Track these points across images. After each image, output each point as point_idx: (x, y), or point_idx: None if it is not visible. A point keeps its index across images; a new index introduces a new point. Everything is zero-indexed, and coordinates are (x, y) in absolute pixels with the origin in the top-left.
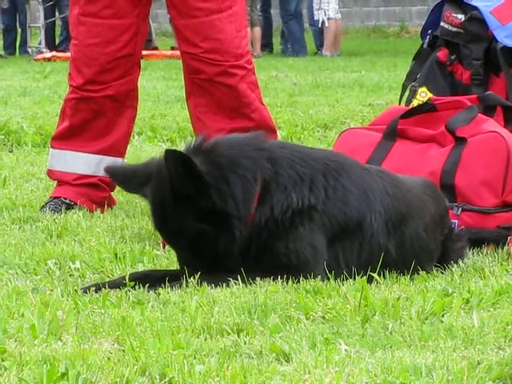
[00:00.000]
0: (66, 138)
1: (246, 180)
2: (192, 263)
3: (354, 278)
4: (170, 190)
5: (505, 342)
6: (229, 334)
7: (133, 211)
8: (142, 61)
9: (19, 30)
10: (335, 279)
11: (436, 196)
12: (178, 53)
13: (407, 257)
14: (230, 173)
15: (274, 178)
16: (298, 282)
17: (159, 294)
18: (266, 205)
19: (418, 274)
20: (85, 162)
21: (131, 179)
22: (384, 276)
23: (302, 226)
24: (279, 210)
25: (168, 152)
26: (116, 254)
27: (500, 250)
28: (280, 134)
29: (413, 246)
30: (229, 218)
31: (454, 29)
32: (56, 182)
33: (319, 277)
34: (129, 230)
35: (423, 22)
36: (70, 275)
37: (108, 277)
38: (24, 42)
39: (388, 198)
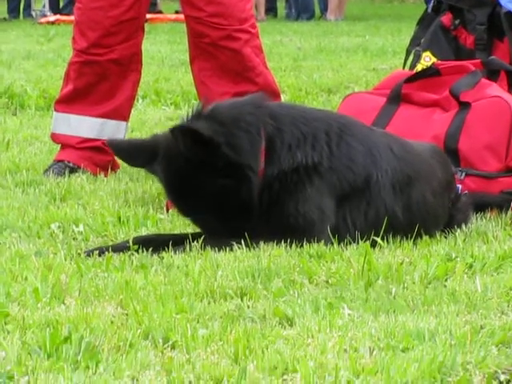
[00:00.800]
0: (69, 101)
1: (251, 134)
2: (212, 228)
3: (358, 243)
4: (185, 162)
5: (508, 306)
6: (232, 298)
7: (136, 175)
8: (146, 24)
9: None
10: (339, 243)
11: (443, 161)
12: (182, 16)
13: (414, 220)
14: (234, 128)
15: (277, 134)
16: (302, 246)
17: (162, 257)
18: (273, 159)
19: (421, 238)
20: (88, 126)
21: (136, 155)
22: (387, 240)
23: (310, 186)
24: (287, 164)
25: (174, 130)
26: (119, 218)
27: (503, 215)
28: (284, 98)
29: (419, 210)
30: (243, 169)
31: None
32: (59, 145)
33: (323, 241)
34: (132, 194)
35: None
36: (74, 239)
37: (111, 240)
38: (28, 6)
39: (394, 158)
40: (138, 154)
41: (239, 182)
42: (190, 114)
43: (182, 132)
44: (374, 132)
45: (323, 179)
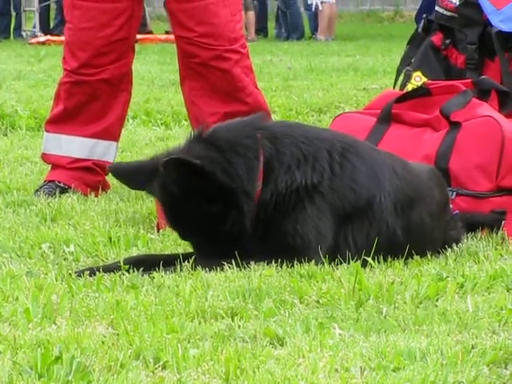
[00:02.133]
0: (60, 121)
1: (248, 159)
2: (208, 251)
3: (349, 262)
4: (179, 188)
5: (499, 326)
6: (223, 317)
7: (127, 195)
8: (136, 45)
9: (13, 14)
10: (329, 263)
11: (441, 183)
12: (172, 37)
13: (411, 241)
14: (231, 154)
15: (276, 156)
16: (293, 266)
17: (153, 277)
18: (271, 182)
19: (412, 258)
20: (79, 146)
21: (135, 177)
22: (378, 260)
23: (309, 207)
24: (284, 186)
25: (164, 163)
26: (110, 238)
27: (494, 235)
28: (274, 118)
29: (417, 232)
30: (236, 195)
31: (449, 13)
32: (50, 165)
33: (313, 261)
34: (123, 214)
35: (418, 6)
36: (64, 259)
37: (102, 260)
38: (18, 26)
39: (397, 179)
40: (138, 176)
41: (233, 207)
42: (191, 137)
43: (172, 165)
44: (378, 152)
45: (323, 199)
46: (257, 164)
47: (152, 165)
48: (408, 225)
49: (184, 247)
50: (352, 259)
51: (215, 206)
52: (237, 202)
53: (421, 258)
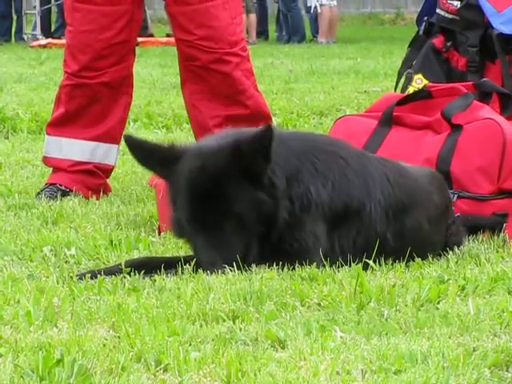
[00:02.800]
0: (61, 124)
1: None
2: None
3: (350, 265)
4: (235, 170)
5: (500, 328)
6: (224, 320)
7: (128, 198)
8: (137, 48)
9: (15, 17)
10: (331, 266)
11: (441, 187)
12: (173, 40)
13: (407, 246)
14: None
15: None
16: (294, 269)
17: (155, 280)
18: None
19: (414, 261)
20: (80, 149)
21: (150, 156)
22: (379, 263)
23: (308, 216)
24: (296, 196)
25: (265, 128)
26: (111, 241)
27: (496, 237)
28: (275, 121)
29: (414, 237)
30: (277, 191)
31: (450, 16)
32: (51, 168)
33: (315, 263)
34: (124, 217)
35: (419, 9)
36: (66, 262)
37: (103, 263)
38: (20, 29)
39: (389, 186)
40: (152, 155)
41: (275, 200)
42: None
43: (268, 131)
44: (369, 160)
45: (318, 210)
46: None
47: (170, 149)
48: (401, 230)
49: (185, 250)
50: (335, 265)
51: (262, 195)
52: (277, 197)
53: (422, 260)
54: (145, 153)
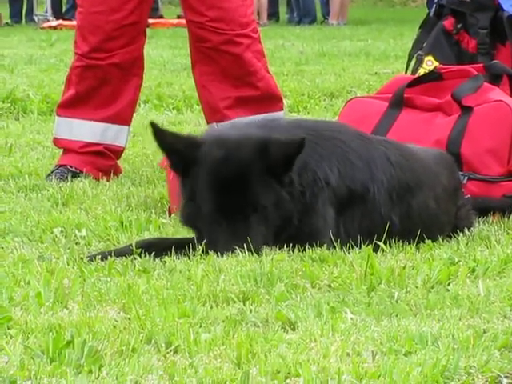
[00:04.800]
0: (71, 105)
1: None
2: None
3: (360, 247)
4: (271, 165)
5: (510, 310)
6: (234, 302)
7: (139, 179)
8: (148, 29)
9: None
10: (341, 248)
11: (450, 168)
12: (184, 21)
13: (415, 228)
14: None
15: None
16: (304, 250)
17: (165, 262)
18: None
19: (424, 242)
20: (91, 130)
21: (174, 144)
22: (390, 245)
23: (317, 201)
24: (306, 183)
25: (300, 141)
26: (122, 222)
27: (506, 219)
28: (286, 103)
29: (421, 217)
30: (295, 190)
31: None
32: (62, 150)
33: (325, 245)
34: (135, 199)
35: None
36: (76, 243)
37: (114, 245)
38: (30, 10)
39: (391, 167)
40: (175, 144)
41: (292, 198)
42: None
43: (297, 148)
44: (370, 142)
45: (327, 195)
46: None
47: (190, 140)
48: (408, 211)
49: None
50: (345, 247)
51: (287, 189)
52: (295, 195)
53: (432, 242)
54: (168, 141)
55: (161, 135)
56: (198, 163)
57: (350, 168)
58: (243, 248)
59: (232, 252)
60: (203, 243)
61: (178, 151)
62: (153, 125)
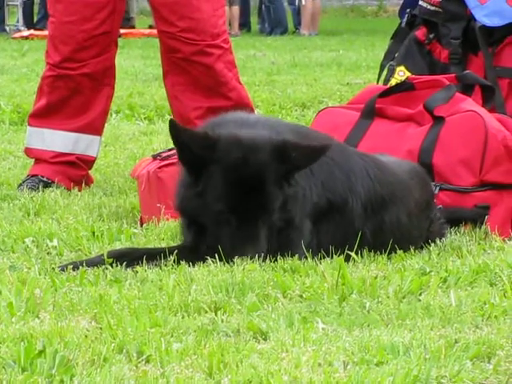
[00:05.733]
0: (43, 115)
1: None
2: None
3: (332, 257)
4: (287, 166)
5: (482, 320)
6: (206, 312)
7: (110, 189)
8: (119, 39)
9: None
10: (312, 258)
11: (423, 182)
12: (155, 31)
13: (386, 241)
14: None
15: None
16: (276, 260)
17: (137, 272)
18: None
19: (396, 253)
20: (62, 140)
21: (190, 143)
22: (361, 255)
23: (296, 212)
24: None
25: (324, 146)
26: (93, 232)
27: (477, 229)
28: (258, 113)
29: (393, 232)
30: (298, 192)
31: (433, 8)
32: (33, 159)
33: (297, 255)
34: (106, 209)
35: (401, 1)
36: (48, 253)
37: (85, 255)
38: (1, 20)
39: (370, 180)
40: (191, 143)
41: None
42: None
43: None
44: (351, 154)
45: (307, 206)
46: None
47: (206, 139)
48: (380, 225)
49: (167, 241)
50: (317, 257)
51: (293, 188)
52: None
53: (404, 252)
54: (184, 139)
55: (177, 132)
56: (215, 162)
57: (332, 180)
58: (252, 253)
59: (242, 255)
60: (174, 253)
61: (193, 150)
62: (171, 121)
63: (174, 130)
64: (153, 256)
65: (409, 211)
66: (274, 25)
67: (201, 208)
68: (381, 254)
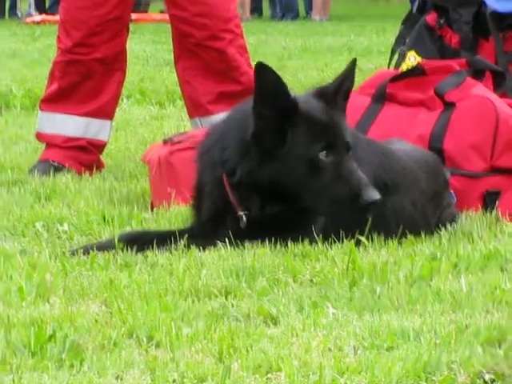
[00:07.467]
0: (54, 100)
1: None
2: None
3: (342, 242)
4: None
5: (492, 305)
6: (216, 296)
7: (121, 174)
8: (131, 24)
9: None
10: (323, 243)
11: (433, 172)
12: (167, 16)
13: (388, 227)
14: None
15: None
16: (286, 245)
17: (147, 256)
18: None
19: (406, 238)
20: (73, 125)
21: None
22: (372, 240)
23: None
24: None
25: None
26: (104, 217)
27: (488, 215)
28: None
29: (396, 218)
30: None
31: None
32: (44, 144)
33: (307, 240)
34: (117, 193)
35: None
36: (58, 237)
37: (96, 239)
38: (13, 5)
39: (374, 167)
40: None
41: None
42: None
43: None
44: (359, 142)
45: None
46: None
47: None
48: (382, 210)
49: (178, 227)
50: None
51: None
52: None
53: (415, 237)
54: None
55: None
56: (301, 111)
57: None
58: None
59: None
60: (185, 237)
61: (279, 103)
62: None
63: (263, 71)
64: (163, 239)
65: (413, 200)
66: (286, 10)
67: (287, 167)
68: (392, 236)
